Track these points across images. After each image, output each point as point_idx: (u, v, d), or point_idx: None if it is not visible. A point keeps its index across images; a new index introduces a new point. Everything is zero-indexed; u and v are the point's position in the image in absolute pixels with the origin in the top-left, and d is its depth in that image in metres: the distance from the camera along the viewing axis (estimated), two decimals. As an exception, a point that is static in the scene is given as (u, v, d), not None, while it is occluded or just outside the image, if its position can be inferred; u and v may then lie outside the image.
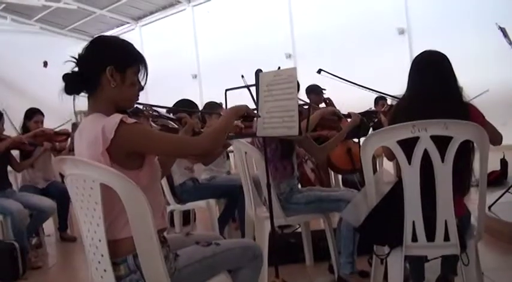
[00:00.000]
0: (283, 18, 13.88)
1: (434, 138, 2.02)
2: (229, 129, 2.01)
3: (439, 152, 2.03)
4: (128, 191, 1.63)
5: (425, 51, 2.46)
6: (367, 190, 2.19)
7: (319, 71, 3.44)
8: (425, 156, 2.04)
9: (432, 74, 2.34)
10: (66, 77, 1.80)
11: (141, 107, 2.04)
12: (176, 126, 2.35)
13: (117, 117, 1.67)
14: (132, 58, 1.85)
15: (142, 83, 1.88)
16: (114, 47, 1.85)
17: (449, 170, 2.03)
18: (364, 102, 7.73)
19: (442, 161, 2.03)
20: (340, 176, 6.15)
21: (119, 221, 1.72)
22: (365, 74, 11.79)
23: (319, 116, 3.36)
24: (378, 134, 2.12)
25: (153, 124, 2.39)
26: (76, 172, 1.73)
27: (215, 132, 1.89)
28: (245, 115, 2.08)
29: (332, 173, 5.80)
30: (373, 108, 7.37)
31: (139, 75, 1.85)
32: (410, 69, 2.44)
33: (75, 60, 1.82)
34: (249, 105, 2.11)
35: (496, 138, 2.29)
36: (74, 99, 1.83)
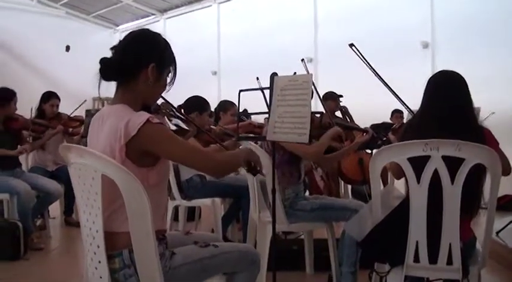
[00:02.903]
0: (307, 23, 13.82)
1: (446, 159, 1.97)
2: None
3: (449, 173, 1.98)
4: (128, 184, 1.62)
5: (441, 71, 2.43)
6: (373, 205, 2.15)
7: (351, 45, 3.32)
8: (435, 176, 2.00)
9: (447, 95, 2.30)
10: (104, 62, 1.79)
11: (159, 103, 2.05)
12: (187, 127, 2.35)
13: (144, 116, 1.67)
14: (171, 60, 1.89)
15: (169, 86, 1.91)
16: (161, 46, 1.87)
17: (458, 192, 1.99)
18: (379, 112, 7.70)
19: (452, 182, 1.99)
20: (349, 186, 6.11)
21: (120, 214, 1.70)
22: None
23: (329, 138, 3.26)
24: (389, 149, 2.09)
25: (168, 122, 2.39)
26: (80, 161, 1.72)
27: (230, 164, 1.93)
28: (251, 165, 2.04)
29: (342, 182, 5.76)
30: (389, 120, 7.35)
31: (169, 76, 1.89)
32: (426, 88, 2.41)
33: (118, 47, 1.83)
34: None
35: (504, 168, 2.20)
36: (99, 85, 1.82)
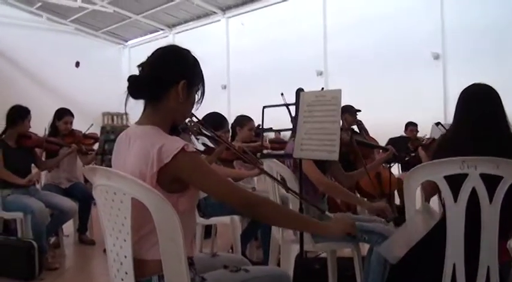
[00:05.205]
0: (317, 35, 13.81)
1: (483, 177, 1.90)
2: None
3: (487, 192, 1.91)
4: (160, 209, 1.55)
5: (473, 84, 2.38)
6: (408, 225, 2.07)
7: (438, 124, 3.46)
8: (472, 195, 1.92)
9: (480, 108, 2.25)
10: (132, 79, 1.73)
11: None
12: (213, 146, 2.29)
13: (179, 143, 1.60)
14: (200, 77, 1.83)
15: (197, 105, 1.84)
16: (191, 62, 1.81)
17: (496, 211, 1.92)
18: (394, 126, 7.62)
19: (490, 201, 1.91)
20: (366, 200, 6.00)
21: (148, 240, 1.64)
22: (396, 97, 11.72)
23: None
24: (425, 168, 2.02)
25: (194, 140, 2.33)
26: (107, 183, 1.65)
27: (291, 218, 1.84)
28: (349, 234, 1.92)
29: (359, 196, 5.66)
30: (403, 133, 7.27)
31: (197, 94, 1.83)
32: (458, 102, 2.36)
33: (146, 64, 1.76)
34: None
35: None
36: (126, 102, 1.74)
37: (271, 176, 2.35)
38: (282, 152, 4.14)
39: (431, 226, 2.04)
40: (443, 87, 11.36)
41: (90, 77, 15.48)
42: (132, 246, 1.61)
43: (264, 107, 2.56)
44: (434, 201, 2.49)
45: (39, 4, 15.73)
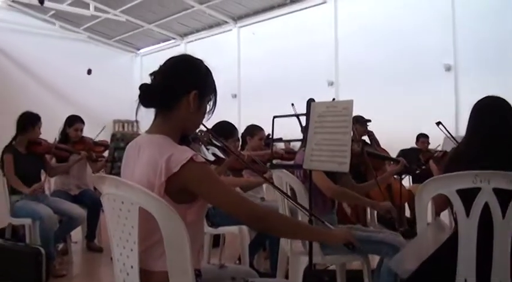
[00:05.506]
0: (328, 46, 13.78)
1: (496, 191, 1.87)
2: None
3: (500, 207, 1.88)
4: (168, 219, 1.53)
5: (486, 97, 2.36)
6: (419, 239, 2.04)
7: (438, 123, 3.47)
8: (484, 209, 1.89)
9: (493, 120, 2.23)
10: (144, 87, 1.72)
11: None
12: (223, 156, 2.28)
13: (187, 153, 1.59)
14: (212, 88, 1.82)
15: (208, 115, 1.83)
16: (203, 73, 1.80)
17: (509, 226, 1.89)
18: (405, 138, 7.56)
19: (503, 216, 1.87)
20: (375, 212, 5.95)
21: (155, 250, 1.62)
22: (407, 108, 11.65)
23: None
24: (437, 181, 1.99)
25: (205, 150, 2.32)
26: (115, 192, 1.64)
27: (297, 228, 1.83)
28: (348, 244, 1.88)
29: (368, 208, 5.60)
30: (415, 145, 7.21)
31: (209, 104, 1.81)
32: (471, 115, 2.34)
33: (158, 73, 1.75)
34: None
35: None
36: (137, 110, 1.72)
37: (277, 188, 2.33)
38: (291, 162, 4.12)
39: (443, 240, 2.00)
40: (455, 99, 11.26)
41: (102, 85, 15.51)
42: (138, 256, 1.59)
43: (274, 117, 2.54)
44: (443, 215, 2.45)
45: (53, 12, 15.81)
